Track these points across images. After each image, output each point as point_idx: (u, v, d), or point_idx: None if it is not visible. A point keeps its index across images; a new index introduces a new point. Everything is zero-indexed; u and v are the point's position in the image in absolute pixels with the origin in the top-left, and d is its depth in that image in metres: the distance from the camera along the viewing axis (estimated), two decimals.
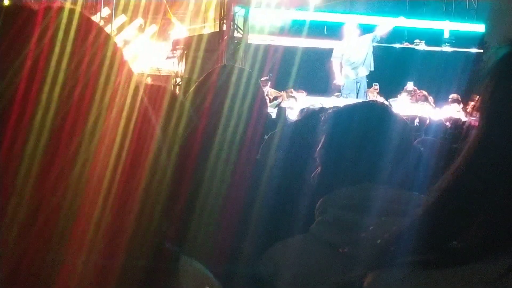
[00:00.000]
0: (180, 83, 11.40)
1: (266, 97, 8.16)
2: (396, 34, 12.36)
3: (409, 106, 10.66)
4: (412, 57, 12.33)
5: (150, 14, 14.44)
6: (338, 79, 10.89)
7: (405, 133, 1.63)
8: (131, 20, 14.03)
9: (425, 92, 11.42)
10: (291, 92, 11.07)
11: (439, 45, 13.27)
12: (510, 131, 0.75)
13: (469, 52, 12.79)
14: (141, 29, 14.18)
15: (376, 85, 11.53)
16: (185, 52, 12.22)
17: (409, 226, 0.84)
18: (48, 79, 0.64)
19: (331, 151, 1.60)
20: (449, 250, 0.77)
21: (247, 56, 11.65)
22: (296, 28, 12.53)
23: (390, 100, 10.86)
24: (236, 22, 12.27)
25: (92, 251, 0.65)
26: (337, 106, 1.96)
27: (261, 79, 9.92)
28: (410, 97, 11.32)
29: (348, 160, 1.54)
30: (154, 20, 14.45)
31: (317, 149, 1.64)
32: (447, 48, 13.23)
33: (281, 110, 7.90)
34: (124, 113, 0.69)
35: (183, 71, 12.14)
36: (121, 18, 13.86)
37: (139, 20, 14.18)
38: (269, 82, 10.97)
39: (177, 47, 12.79)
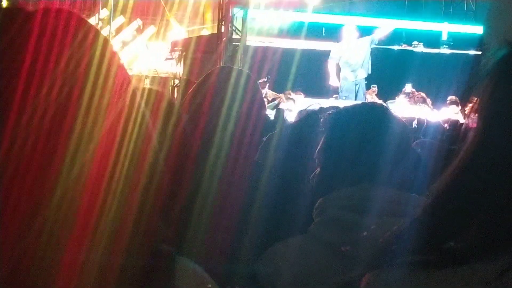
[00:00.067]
0: (178, 84, 11.41)
1: (264, 99, 8.15)
2: (394, 36, 12.36)
3: (407, 108, 10.68)
4: (410, 59, 12.33)
5: (148, 16, 14.45)
6: (333, 80, 10.86)
7: (404, 134, 1.63)
8: (129, 21, 14.05)
9: (423, 94, 11.44)
10: (289, 94, 11.08)
11: (438, 47, 13.28)
12: (509, 131, 0.75)
13: (468, 54, 12.78)
14: (140, 30, 14.19)
15: (375, 86, 11.54)
16: (184, 53, 12.23)
17: (409, 226, 0.84)
18: (46, 81, 0.64)
19: (330, 152, 1.60)
20: (449, 250, 0.78)
21: (245, 58, 11.65)
22: (294, 30, 12.54)
23: (388, 102, 10.88)
24: (234, 23, 12.28)
25: (91, 251, 0.65)
26: (336, 106, 1.96)
27: (260, 81, 9.93)
28: (408, 99, 11.34)
29: (348, 161, 1.54)
30: (152, 22, 14.47)
31: (317, 150, 1.64)
32: (445, 50, 13.24)
33: (279, 112, 7.89)
34: (122, 115, 0.70)
35: (181, 72, 12.14)
36: (119, 20, 13.87)
37: (138, 22, 14.19)
38: (267, 84, 10.96)
39: (175, 48, 12.80)
